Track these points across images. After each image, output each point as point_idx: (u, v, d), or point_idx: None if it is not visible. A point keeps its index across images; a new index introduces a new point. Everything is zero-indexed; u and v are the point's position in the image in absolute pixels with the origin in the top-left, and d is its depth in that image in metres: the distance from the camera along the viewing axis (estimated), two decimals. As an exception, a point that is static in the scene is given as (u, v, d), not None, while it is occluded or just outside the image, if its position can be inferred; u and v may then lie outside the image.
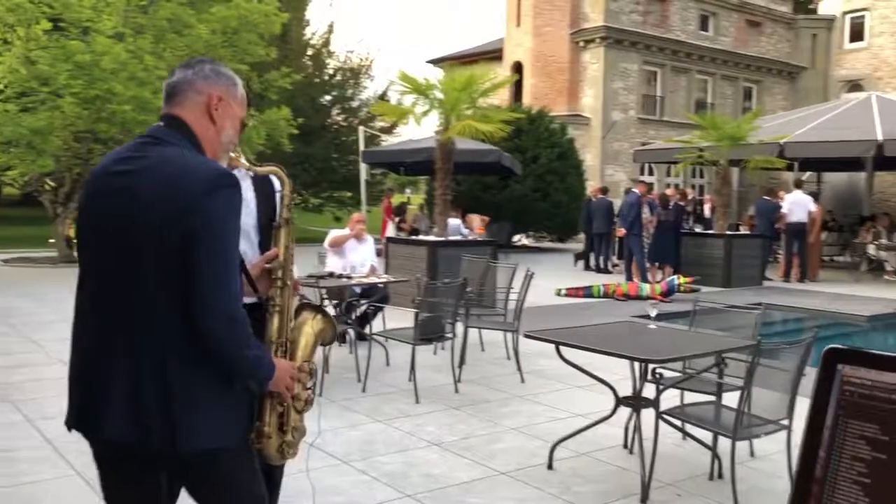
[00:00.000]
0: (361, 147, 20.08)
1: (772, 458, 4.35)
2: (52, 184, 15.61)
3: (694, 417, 3.99)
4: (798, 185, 15.23)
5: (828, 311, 10.78)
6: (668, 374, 4.48)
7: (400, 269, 9.82)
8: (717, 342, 4.24)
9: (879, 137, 14.11)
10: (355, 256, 7.40)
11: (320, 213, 27.44)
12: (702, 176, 27.40)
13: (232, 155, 2.11)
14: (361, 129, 21.22)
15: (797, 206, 14.39)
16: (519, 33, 27.10)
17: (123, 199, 1.82)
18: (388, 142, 26.20)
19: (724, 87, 29.45)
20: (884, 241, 15.73)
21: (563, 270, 15.55)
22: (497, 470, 4.22)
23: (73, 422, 1.91)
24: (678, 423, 4.36)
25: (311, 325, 2.23)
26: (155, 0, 15.17)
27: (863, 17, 29.04)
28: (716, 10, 28.93)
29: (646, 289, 11.53)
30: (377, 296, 7.16)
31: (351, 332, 6.97)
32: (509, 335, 6.87)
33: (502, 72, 23.25)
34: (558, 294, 11.69)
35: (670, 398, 4.54)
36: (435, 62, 32.95)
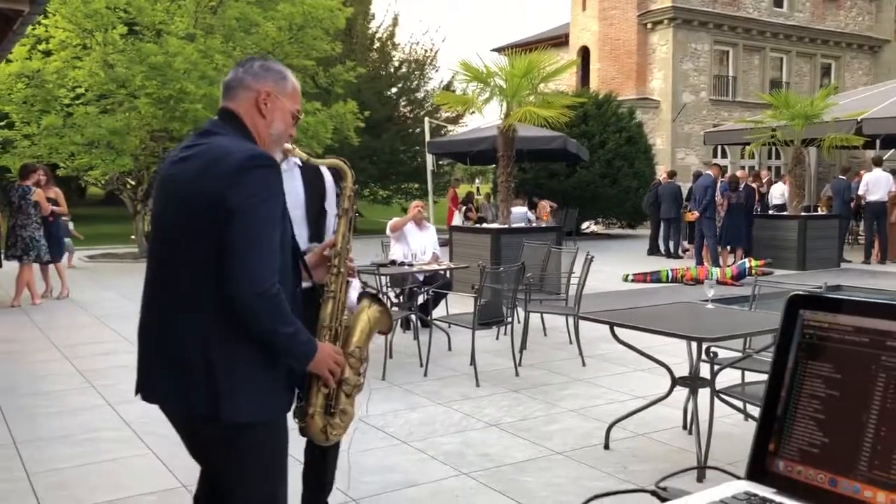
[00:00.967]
0: (427, 138, 20.22)
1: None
2: (131, 182, 16.26)
3: (753, 397, 3.94)
4: (878, 162, 14.62)
5: (909, 292, 10.36)
6: (728, 354, 4.43)
7: (464, 258, 9.90)
8: (775, 321, 4.16)
9: (966, 110, 13.44)
10: (417, 244, 7.51)
11: (388, 205, 27.74)
12: (778, 157, 26.57)
13: (287, 146, 2.20)
14: (427, 120, 21.34)
15: (877, 184, 13.83)
16: (585, 18, 26.77)
17: (171, 185, 1.98)
18: (455, 132, 26.28)
19: (800, 65, 28.44)
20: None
21: (633, 257, 15.36)
22: (553, 450, 4.26)
23: (137, 389, 2.06)
24: (738, 403, 4.32)
25: (367, 314, 2.28)
26: (224, 0, 15.62)
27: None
28: (790, -16, 27.97)
29: (716, 273, 11.30)
30: (438, 282, 7.26)
31: (414, 317, 7.09)
32: (571, 319, 6.87)
33: (568, 57, 23.03)
34: (625, 280, 11.57)
35: (735, 379, 4.49)
36: (499, 50, 32.80)
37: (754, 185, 14.75)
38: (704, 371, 4.15)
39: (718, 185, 13.33)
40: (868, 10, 29.64)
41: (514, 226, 11.03)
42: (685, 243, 15.72)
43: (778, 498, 0.99)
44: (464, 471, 3.94)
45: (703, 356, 4.04)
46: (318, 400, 2.10)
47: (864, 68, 29.72)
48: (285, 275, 1.99)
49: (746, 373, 4.47)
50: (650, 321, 4.09)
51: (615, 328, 4.12)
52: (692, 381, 4.13)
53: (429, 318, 6.72)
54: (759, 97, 20.61)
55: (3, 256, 9.89)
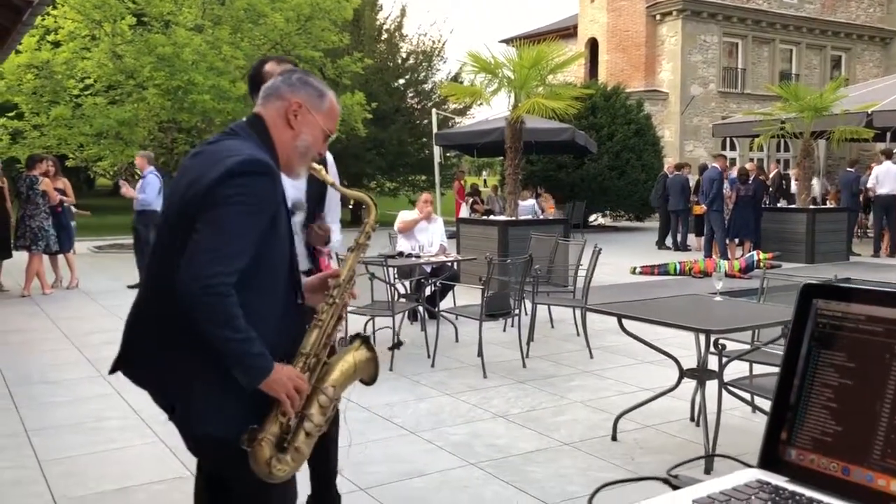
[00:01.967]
0: (434, 130, 20.19)
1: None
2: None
3: (760, 389, 3.94)
4: (888, 155, 14.53)
5: (918, 286, 10.30)
6: (736, 347, 4.42)
7: (471, 250, 9.90)
8: (783, 313, 4.15)
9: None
10: (424, 236, 7.52)
11: (395, 196, 27.73)
12: (787, 150, 26.44)
13: (315, 166, 2.15)
14: (434, 111, 21.31)
15: (887, 177, 13.75)
16: (593, 9, 26.64)
17: (178, 177, 2.01)
18: (462, 123, 26.22)
19: (810, 57, 28.25)
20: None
21: (641, 249, 15.33)
22: (560, 441, 4.26)
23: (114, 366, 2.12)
24: (746, 395, 4.31)
25: (354, 356, 2.12)
26: (231, -9, 15.62)
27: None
28: (801, -25, 27.78)
29: (724, 265, 11.27)
30: (446, 274, 7.27)
31: (421, 309, 7.10)
32: (578, 312, 6.87)
33: (576, 49, 22.95)
34: (633, 272, 11.55)
35: (742, 371, 4.48)
36: (508, 41, 32.71)
37: (762, 177, 14.68)
38: (712, 363, 4.14)
39: (728, 176, 13.27)
40: (879, 2, 29.41)
41: (522, 218, 11.01)
42: (692, 236, 15.67)
43: (790, 486, 0.99)
44: (471, 461, 3.95)
45: (712, 348, 4.03)
46: (272, 427, 1.89)
47: (875, 60, 29.51)
48: (275, 292, 1.95)
49: (754, 365, 4.47)
50: (658, 313, 4.09)
51: (623, 320, 4.12)
52: (700, 373, 4.13)
53: (436, 309, 6.74)
54: (768, 89, 20.49)
55: (12, 246, 9.95)
